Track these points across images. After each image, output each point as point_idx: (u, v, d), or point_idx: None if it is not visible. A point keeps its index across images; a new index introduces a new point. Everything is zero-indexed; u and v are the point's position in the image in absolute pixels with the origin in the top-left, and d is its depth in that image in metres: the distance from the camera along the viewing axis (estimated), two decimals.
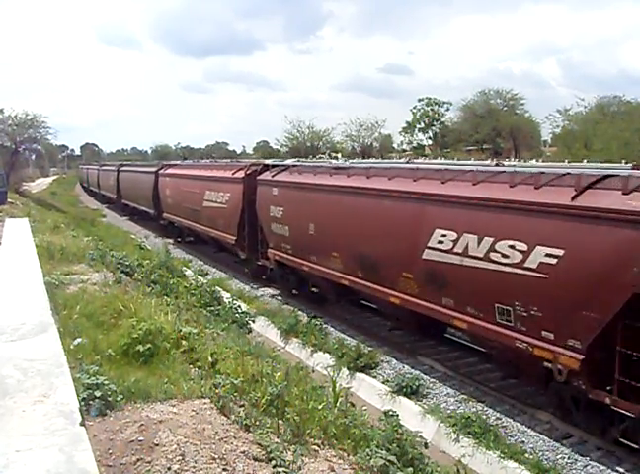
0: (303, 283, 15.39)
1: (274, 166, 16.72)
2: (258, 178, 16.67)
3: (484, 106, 56.21)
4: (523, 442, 8.15)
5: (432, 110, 62.62)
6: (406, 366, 10.96)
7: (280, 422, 5.69)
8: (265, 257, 16.64)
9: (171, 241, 27.21)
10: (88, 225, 29.38)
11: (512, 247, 8.11)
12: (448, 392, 9.83)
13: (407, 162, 14.74)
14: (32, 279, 9.77)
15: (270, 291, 17.12)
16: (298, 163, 16.81)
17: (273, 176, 15.78)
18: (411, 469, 6.09)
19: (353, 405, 8.12)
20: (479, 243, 8.64)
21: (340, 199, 12.49)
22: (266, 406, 6.00)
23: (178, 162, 33.58)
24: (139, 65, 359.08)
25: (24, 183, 53.49)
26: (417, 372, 10.56)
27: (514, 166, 10.08)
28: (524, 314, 8.04)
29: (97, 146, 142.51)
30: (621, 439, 7.42)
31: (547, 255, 7.59)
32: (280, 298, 16.18)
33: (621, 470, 7.44)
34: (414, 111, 63.38)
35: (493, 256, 8.41)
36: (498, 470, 7.51)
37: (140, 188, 32.42)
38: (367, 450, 5.76)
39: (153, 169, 30.57)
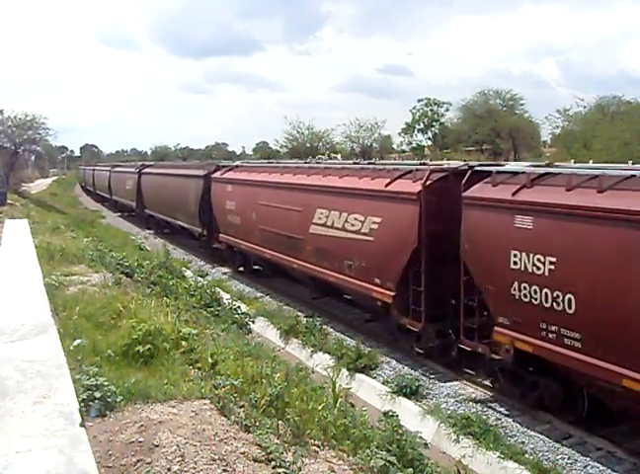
0: (574, 397, 8.56)
1: (500, 172, 9.20)
2: (466, 195, 9.36)
3: (483, 106, 56.33)
4: (523, 443, 8.16)
5: (431, 110, 62.82)
6: (406, 367, 10.96)
7: (280, 422, 5.68)
8: (482, 339, 9.41)
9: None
10: (88, 226, 29.35)
11: None
12: (448, 392, 9.84)
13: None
14: (31, 280, 9.77)
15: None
16: (575, 169, 8.46)
17: (514, 193, 8.54)
18: (411, 470, 6.12)
19: (352, 405, 8.12)
20: None
21: None
22: (266, 407, 6.00)
23: (238, 163, 23.14)
24: (139, 66, 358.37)
25: (23, 184, 53.38)
26: (417, 373, 10.56)
27: None
28: None
29: (96, 147, 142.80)
30: None
31: None
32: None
33: (621, 470, 7.44)
34: (413, 111, 63.70)
35: None
36: (498, 470, 7.51)
37: (178, 196, 24.43)
38: (367, 451, 5.78)
39: (201, 172, 22.27)
